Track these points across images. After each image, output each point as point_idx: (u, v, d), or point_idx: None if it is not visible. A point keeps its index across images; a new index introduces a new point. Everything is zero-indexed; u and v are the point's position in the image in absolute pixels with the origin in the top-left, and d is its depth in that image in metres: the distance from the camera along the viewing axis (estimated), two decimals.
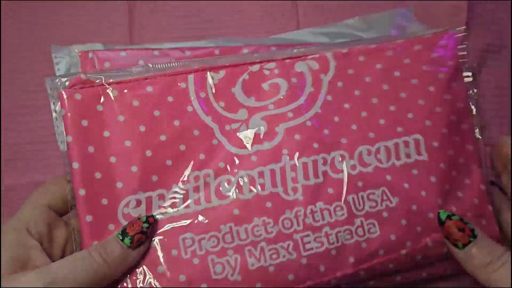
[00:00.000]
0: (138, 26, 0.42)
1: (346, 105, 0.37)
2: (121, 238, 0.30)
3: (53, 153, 0.40)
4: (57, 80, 0.32)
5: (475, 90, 0.39)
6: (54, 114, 0.32)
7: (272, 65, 0.37)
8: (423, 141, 0.37)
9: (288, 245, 0.34)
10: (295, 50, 0.37)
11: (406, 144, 0.37)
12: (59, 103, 0.32)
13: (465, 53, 0.39)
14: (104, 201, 0.32)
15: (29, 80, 0.41)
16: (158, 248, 0.32)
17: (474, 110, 0.39)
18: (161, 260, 0.32)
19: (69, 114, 0.32)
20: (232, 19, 0.43)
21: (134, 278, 0.32)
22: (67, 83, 0.32)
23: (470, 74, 0.39)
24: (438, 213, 0.34)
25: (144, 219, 0.31)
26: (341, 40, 0.40)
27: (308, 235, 0.34)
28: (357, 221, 0.35)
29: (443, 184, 0.37)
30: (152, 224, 0.32)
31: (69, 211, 0.32)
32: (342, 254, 0.34)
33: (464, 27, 0.39)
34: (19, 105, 0.41)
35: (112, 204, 0.32)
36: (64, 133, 0.32)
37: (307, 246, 0.34)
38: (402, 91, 0.38)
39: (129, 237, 0.30)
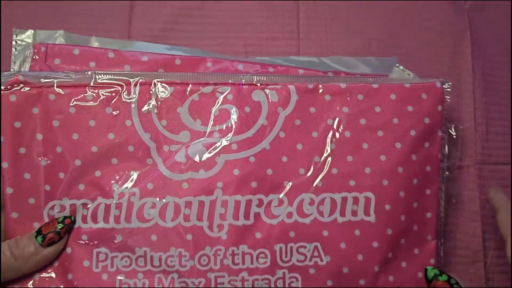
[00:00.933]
0: (137, 17, 0.40)
1: (299, 146, 0.34)
2: (35, 235, 0.31)
3: None
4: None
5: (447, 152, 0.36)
6: None
7: (226, 89, 0.34)
8: (374, 201, 0.34)
9: (200, 282, 0.33)
10: (255, 76, 0.34)
11: (355, 200, 0.34)
12: None
13: (445, 111, 0.35)
14: (31, 201, 0.32)
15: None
16: (72, 255, 0.32)
17: (445, 173, 0.35)
18: (72, 268, 0.32)
19: (2, 115, 0.32)
20: (232, 17, 0.41)
21: (43, 277, 0.32)
22: (5, 81, 0.32)
23: (444, 134, 0.35)
24: (426, 269, 0.32)
25: (61, 219, 0.32)
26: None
27: (223, 276, 0.33)
28: (279, 272, 0.33)
29: (385, 251, 0.34)
30: (67, 225, 0.32)
31: None
32: None
33: (446, 80, 0.35)
34: None
35: (38, 204, 0.32)
36: None
37: (219, 286, 0.33)
38: (365, 142, 0.34)
39: (41, 235, 0.31)
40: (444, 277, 0.32)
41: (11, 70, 0.35)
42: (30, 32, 0.36)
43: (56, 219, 0.32)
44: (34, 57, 0.34)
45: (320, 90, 0.34)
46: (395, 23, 0.41)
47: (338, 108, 0.34)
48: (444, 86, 0.35)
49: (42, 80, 0.32)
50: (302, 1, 0.42)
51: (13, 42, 0.36)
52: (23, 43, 0.36)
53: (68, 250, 0.32)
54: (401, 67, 0.37)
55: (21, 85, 0.32)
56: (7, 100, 0.32)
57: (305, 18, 0.41)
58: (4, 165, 0.32)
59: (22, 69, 0.35)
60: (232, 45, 0.40)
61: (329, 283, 0.33)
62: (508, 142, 0.40)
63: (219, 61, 0.36)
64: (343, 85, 0.35)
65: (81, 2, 0.40)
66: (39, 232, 0.31)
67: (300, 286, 0.33)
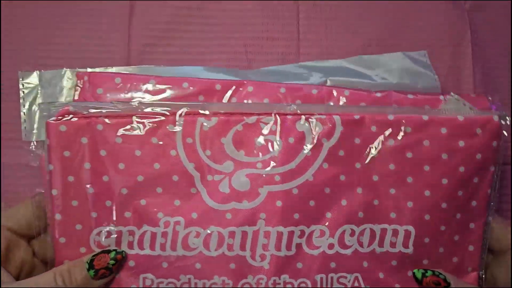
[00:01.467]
0: (137, 17, 0.40)
1: (342, 177, 0.34)
2: (87, 267, 0.32)
3: None
4: (49, 107, 0.32)
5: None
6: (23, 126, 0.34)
7: (270, 119, 0.34)
8: (413, 235, 0.34)
9: None
10: (297, 107, 0.34)
11: (395, 233, 0.34)
12: (45, 131, 0.32)
13: (500, 146, 0.34)
14: (78, 227, 0.33)
15: (25, 62, 0.40)
16: (119, 280, 0.34)
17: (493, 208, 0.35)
18: None
19: (52, 144, 0.32)
20: (232, 17, 0.41)
21: None
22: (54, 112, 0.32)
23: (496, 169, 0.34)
24: (413, 272, 0.34)
25: (113, 255, 0.32)
26: (340, 79, 0.37)
27: None
28: None
29: None
30: (119, 261, 0.33)
31: (34, 236, 0.34)
32: None
33: (505, 114, 0.34)
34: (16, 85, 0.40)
35: (86, 230, 0.33)
36: (47, 161, 0.32)
37: None
38: (410, 176, 0.34)
39: (94, 270, 0.32)
40: (430, 272, 0.34)
41: (21, 113, 0.37)
42: (35, 73, 0.37)
43: (108, 254, 0.33)
44: (77, 85, 0.34)
45: (367, 121, 0.34)
46: (395, 23, 0.41)
47: (384, 140, 0.34)
48: (502, 120, 0.34)
49: (91, 111, 0.32)
50: (302, 1, 0.41)
51: (20, 86, 0.37)
52: (30, 85, 0.37)
53: (116, 274, 0.33)
54: (456, 96, 0.35)
55: (71, 116, 0.32)
56: (57, 130, 0.32)
57: (305, 18, 0.41)
58: (54, 192, 0.33)
59: (33, 110, 0.36)
60: (232, 45, 0.40)
61: None
62: (508, 142, 0.39)
63: (261, 84, 0.36)
64: (391, 117, 0.34)
65: (81, 2, 0.40)
66: (91, 265, 0.32)
67: None
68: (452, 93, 0.36)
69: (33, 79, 0.38)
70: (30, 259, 0.35)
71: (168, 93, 0.35)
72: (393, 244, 0.34)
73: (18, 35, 0.40)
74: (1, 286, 0.31)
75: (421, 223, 0.34)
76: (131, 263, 0.33)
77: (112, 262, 0.32)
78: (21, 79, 0.37)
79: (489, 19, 0.43)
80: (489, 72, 0.42)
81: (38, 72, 0.38)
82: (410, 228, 0.34)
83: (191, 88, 0.35)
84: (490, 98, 0.36)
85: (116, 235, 0.33)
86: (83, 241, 0.33)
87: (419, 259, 0.34)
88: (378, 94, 0.36)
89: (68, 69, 0.37)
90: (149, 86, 0.34)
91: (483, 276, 0.36)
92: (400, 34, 0.41)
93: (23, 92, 0.37)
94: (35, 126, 0.36)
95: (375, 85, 0.38)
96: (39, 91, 0.37)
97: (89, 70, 0.36)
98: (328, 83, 0.38)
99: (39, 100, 0.37)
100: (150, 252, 0.34)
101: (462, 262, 0.35)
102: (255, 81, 0.36)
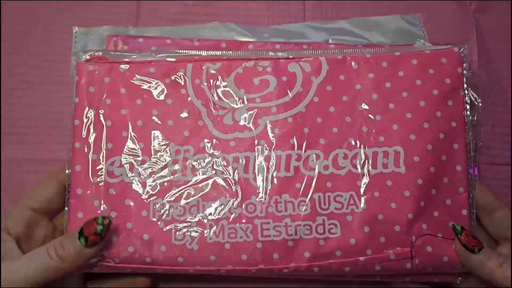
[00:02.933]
0: (144, 14, 0.45)
1: (332, 108, 0.39)
2: (78, 237, 0.33)
3: (45, 131, 0.43)
4: (80, 54, 0.39)
5: (476, 115, 0.39)
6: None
7: (266, 63, 0.39)
8: (403, 154, 0.37)
9: (247, 227, 0.36)
10: (290, 52, 0.40)
11: (385, 154, 0.37)
12: (75, 71, 0.38)
13: (465, 72, 0.38)
14: (94, 157, 0.37)
15: (29, 56, 0.43)
16: (130, 207, 0.36)
17: (475, 138, 0.38)
18: (131, 217, 0.36)
19: (80, 80, 0.38)
20: (237, 15, 0.45)
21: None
22: (86, 57, 0.38)
23: (471, 95, 0.39)
24: (453, 225, 0.36)
25: (100, 221, 0.33)
26: (340, 38, 0.43)
27: (268, 223, 0.36)
28: (319, 219, 0.36)
29: (417, 199, 0.37)
30: (107, 226, 0.33)
31: (53, 212, 0.38)
32: (298, 247, 0.36)
33: (465, 45, 0.39)
34: (19, 80, 0.43)
35: (100, 159, 0.37)
36: (74, 95, 0.38)
37: (265, 232, 0.36)
38: (391, 103, 0.38)
39: (84, 238, 0.33)
40: (465, 228, 0.36)
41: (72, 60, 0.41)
42: (85, 29, 0.43)
43: (96, 219, 0.33)
44: (107, 44, 0.41)
45: (348, 60, 0.39)
46: None
47: (364, 74, 0.39)
48: (462, 50, 0.39)
49: (115, 57, 0.39)
50: (308, 1, 0.45)
51: (73, 38, 0.43)
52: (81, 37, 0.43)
53: (127, 201, 0.36)
54: (422, 41, 0.41)
55: (100, 60, 0.38)
56: (86, 68, 0.38)
57: (311, 18, 0.45)
58: (76, 122, 0.37)
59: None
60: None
61: (366, 229, 0.36)
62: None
63: (260, 42, 0.42)
64: (368, 55, 0.39)
65: (90, 3, 0.44)
66: (81, 233, 0.33)
67: (339, 232, 0.36)
68: (418, 39, 0.41)
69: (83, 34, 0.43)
70: (51, 235, 0.37)
71: (181, 51, 0.41)
72: (385, 165, 0.37)
73: (20, 32, 0.43)
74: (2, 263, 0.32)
75: (408, 142, 0.37)
76: (142, 189, 0.37)
77: (100, 227, 0.33)
78: (74, 31, 0.42)
79: (494, 20, 0.44)
80: (493, 73, 0.44)
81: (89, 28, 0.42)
82: (399, 148, 0.37)
83: (200, 45, 0.41)
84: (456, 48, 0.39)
85: (129, 165, 0.37)
86: (97, 170, 0.37)
87: (412, 178, 0.37)
88: (360, 46, 0.41)
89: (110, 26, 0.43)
90: (168, 41, 0.41)
91: (473, 197, 0.38)
92: None
93: (75, 42, 0.42)
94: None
95: (366, 43, 0.43)
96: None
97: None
98: (330, 41, 0.44)
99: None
100: (161, 178, 0.37)
101: (453, 183, 0.37)
102: (256, 41, 0.42)
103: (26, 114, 0.43)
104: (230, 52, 0.40)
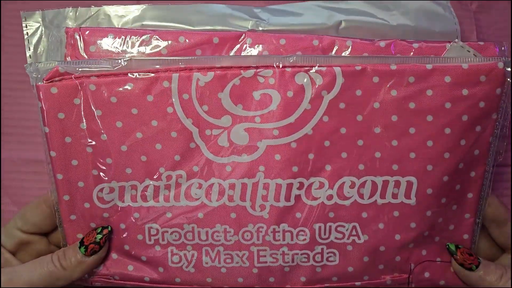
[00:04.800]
0: None
1: (343, 130, 0.34)
2: (79, 246, 0.34)
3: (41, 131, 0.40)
4: (39, 68, 0.32)
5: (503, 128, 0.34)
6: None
7: (268, 72, 0.33)
8: (416, 186, 0.34)
9: (243, 254, 0.36)
10: (298, 58, 0.32)
11: (397, 184, 0.34)
12: (36, 94, 0.32)
13: (504, 93, 0.32)
14: (81, 184, 0.34)
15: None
16: (126, 230, 0.35)
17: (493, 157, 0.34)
18: (128, 240, 0.36)
19: (45, 107, 0.32)
20: None
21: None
22: (44, 73, 0.32)
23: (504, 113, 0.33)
24: (447, 245, 0.35)
25: (99, 230, 0.34)
26: (354, 18, 0.35)
27: (265, 250, 0.35)
28: (318, 248, 0.35)
29: (422, 230, 0.35)
30: (106, 235, 0.34)
31: (44, 233, 0.37)
32: (294, 272, 0.36)
33: (510, 60, 0.32)
34: (19, 80, 0.41)
35: (88, 187, 0.34)
36: (42, 124, 0.33)
37: (262, 259, 0.36)
38: (412, 127, 0.33)
39: (84, 246, 0.34)
40: (460, 246, 0.35)
41: (27, 55, 0.35)
42: (38, 13, 0.36)
43: (95, 230, 0.34)
44: (68, 43, 0.33)
45: (368, 71, 0.32)
46: None
47: (386, 91, 0.33)
48: (507, 66, 0.32)
49: (81, 69, 0.32)
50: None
51: (23, 25, 0.35)
52: (33, 26, 0.36)
53: (122, 225, 0.35)
54: (461, 43, 0.33)
55: (61, 77, 0.32)
56: (49, 92, 0.32)
57: None
58: (52, 154, 0.33)
59: (39, 52, 0.35)
60: None
61: (366, 259, 0.35)
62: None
63: (260, 35, 0.34)
64: (393, 67, 0.32)
65: (88, 2, 0.38)
66: (82, 243, 0.34)
67: (337, 261, 0.36)
68: (456, 40, 0.33)
69: (36, 19, 0.36)
70: (45, 249, 0.37)
71: (164, 50, 0.33)
72: (395, 195, 0.34)
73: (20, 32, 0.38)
74: (4, 269, 0.34)
75: (424, 173, 0.33)
76: (136, 214, 0.35)
77: (99, 236, 0.34)
78: (23, 19, 0.35)
79: (494, 20, 0.42)
80: None
81: (40, 11, 0.36)
82: (413, 179, 0.34)
83: (187, 41, 0.34)
84: (497, 45, 0.33)
85: (118, 190, 0.34)
86: (87, 197, 0.34)
87: (422, 211, 0.34)
88: (382, 44, 0.33)
89: (72, 8, 0.36)
90: (145, 38, 0.33)
91: (479, 223, 0.36)
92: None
93: (27, 33, 0.35)
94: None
95: (390, 27, 0.36)
96: (43, 33, 0.36)
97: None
98: (343, 24, 0.36)
99: (44, 42, 0.36)
100: (154, 203, 0.35)
101: (461, 210, 0.35)
102: (255, 32, 0.34)
103: (26, 114, 0.41)
104: (225, 59, 0.32)
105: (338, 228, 0.35)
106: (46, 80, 0.32)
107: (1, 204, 0.41)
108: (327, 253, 0.35)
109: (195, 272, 0.36)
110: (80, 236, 0.35)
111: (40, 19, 0.35)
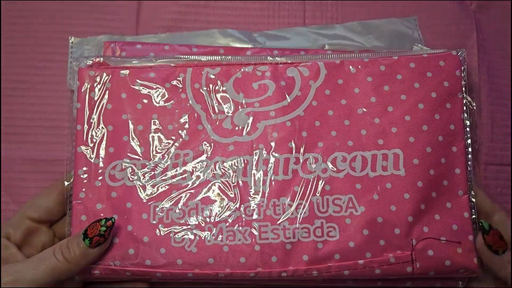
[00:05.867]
0: (144, 14, 0.45)
1: (330, 112, 0.39)
2: (82, 238, 0.34)
3: (45, 131, 0.43)
4: (81, 59, 0.40)
5: (472, 116, 0.38)
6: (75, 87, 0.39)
7: (264, 67, 0.40)
8: (402, 157, 0.37)
9: (246, 230, 0.36)
10: (289, 57, 0.40)
11: (385, 157, 0.37)
12: (77, 77, 0.39)
13: (463, 75, 0.38)
14: (96, 161, 0.38)
15: (29, 57, 0.44)
16: (131, 209, 0.37)
17: (469, 134, 0.38)
18: (132, 220, 0.37)
19: (81, 86, 0.39)
20: (237, 15, 0.45)
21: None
22: (87, 63, 0.39)
23: (467, 98, 0.38)
24: (481, 222, 0.35)
25: (103, 222, 0.34)
26: (336, 42, 0.43)
27: (266, 225, 0.36)
28: (317, 222, 0.36)
29: (417, 202, 0.36)
30: (110, 227, 0.34)
31: (53, 221, 0.38)
32: (296, 250, 0.36)
33: (464, 49, 0.39)
34: (19, 80, 0.43)
35: (102, 164, 0.38)
36: (76, 101, 0.39)
37: (263, 235, 0.36)
38: (390, 105, 0.38)
39: (88, 239, 0.34)
40: (494, 227, 0.35)
41: (68, 68, 0.42)
42: (83, 39, 0.44)
43: (99, 221, 0.34)
44: (105, 50, 0.42)
45: (346, 64, 0.40)
46: None
47: (363, 78, 0.39)
48: (460, 54, 0.39)
49: (116, 62, 0.40)
50: (308, 1, 0.45)
51: (69, 49, 0.43)
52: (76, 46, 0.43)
53: (128, 204, 0.37)
54: (420, 46, 0.41)
55: (101, 65, 0.39)
56: (87, 74, 0.39)
57: (311, 17, 0.45)
58: (79, 127, 0.38)
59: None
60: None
61: (365, 232, 0.36)
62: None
63: (257, 49, 0.43)
64: (366, 59, 0.40)
65: (89, 2, 0.44)
66: (85, 235, 0.34)
67: (337, 235, 0.36)
68: (416, 44, 0.41)
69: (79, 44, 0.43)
70: (51, 241, 0.38)
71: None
72: (384, 168, 0.37)
73: (20, 33, 0.43)
74: (6, 266, 0.33)
75: (407, 145, 0.37)
76: (142, 193, 0.37)
77: (103, 228, 0.34)
78: (71, 41, 0.43)
79: (494, 20, 0.44)
80: (494, 73, 0.43)
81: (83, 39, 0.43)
82: (398, 151, 0.37)
83: (198, 52, 0.42)
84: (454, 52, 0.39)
85: (130, 169, 0.38)
86: (99, 174, 0.37)
87: (412, 181, 0.37)
88: (356, 52, 0.41)
89: (106, 36, 0.43)
90: (166, 48, 0.42)
91: (473, 200, 0.37)
92: None
93: (71, 52, 0.43)
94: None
95: (367, 48, 0.44)
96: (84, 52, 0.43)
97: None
98: (326, 47, 0.44)
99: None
100: (161, 182, 0.37)
101: (452, 186, 0.37)
102: (254, 47, 0.43)
103: (26, 114, 0.43)
104: (229, 57, 0.40)
105: (335, 201, 0.37)
106: (88, 66, 0.39)
107: (1, 203, 0.41)
108: (327, 227, 0.36)
109: (197, 252, 0.36)
110: (84, 218, 0.37)
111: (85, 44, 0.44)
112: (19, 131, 0.43)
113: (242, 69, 0.40)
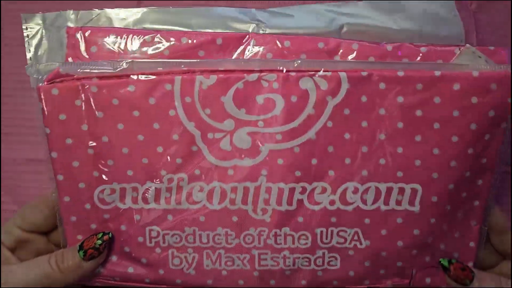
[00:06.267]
0: None
1: (347, 135, 0.33)
2: (78, 249, 0.34)
3: (42, 130, 0.39)
4: (40, 69, 0.31)
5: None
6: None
7: (272, 76, 0.32)
8: (420, 193, 0.34)
9: (245, 257, 0.35)
10: (302, 62, 0.32)
11: (401, 191, 0.34)
12: (37, 96, 0.32)
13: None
14: (82, 185, 0.34)
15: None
16: (126, 232, 0.35)
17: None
18: (128, 243, 0.35)
19: (46, 108, 0.32)
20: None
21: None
22: (46, 76, 0.31)
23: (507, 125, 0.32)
24: (440, 261, 0.35)
25: (100, 235, 0.34)
26: (356, 22, 0.35)
27: (266, 253, 0.35)
28: (319, 252, 0.35)
29: (426, 237, 0.35)
30: (106, 242, 0.34)
31: (44, 232, 0.37)
32: (295, 276, 0.36)
33: None
34: (19, 80, 0.40)
35: (89, 188, 0.34)
36: (43, 124, 0.32)
37: (263, 262, 0.35)
38: (418, 134, 0.33)
39: (83, 251, 0.33)
40: (454, 260, 0.34)
41: (28, 57, 0.35)
42: (39, 15, 0.35)
43: (96, 235, 0.34)
44: (69, 43, 0.33)
45: (375, 78, 0.32)
46: None
47: (392, 97, 0.32)
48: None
49: (83, 71, 0.31)
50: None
51: (23, 27, 0.35)
52: (34, 28, 0.35)
53: (123, 227, 0.35)
54: (472, 48, 0.32)
55: (62, 78, 0.31)
56: (50, 94, 0.32)
57: None
58: (54, 155, 0.33)
59: (39, 54, 0.35)
60: None
61: (367, 263, 0.35)
62: None
63: (264, 37, 0.33)
64: (400, 73, 0.31)
65: (88, 2, 0.38)
66: (81, 247, 0.34)
67: (338, 265, 0.35)
68: (468, 45, 0.32)
69: (37, 21, 0.35)
70: (44, 247, 0.37)
71: (166, 51, 0.33)
72: (398, 202, 0.34)
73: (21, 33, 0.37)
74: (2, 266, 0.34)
75: (429, 181, 0.33)
76: (137, 217, 0.35)
77: (99, 242, 0.34)
78: (24, 21, 0.35)
79: (494, 20, 0.41)
80: None
81: (41, 14, 0.36)
82: (417, 186, 0.33)
83: (190, 42, 0.33)
84: (507, 50, 0.32)
85: (119, 192, 0.34)
86: (88, 198, 0.34)
87: (426, 218, 0.34)
88: (389, 47, 0.33)
89: (73, 11, 0.35)
90: (147, 39, 0.32)
91: (485, 230, 0.36)
92: None
93: (27, 35, 0.35)
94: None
95: (394, 31, 0.35)
96: (43, 35, 0.35)
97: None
98: (345, 28, 0.35)
99: (44, 44, 0.36)
100: (155, 205, 0.35)
101: (467, 217, 0.35)
102: (259, 33, 0.33)
103: (26, 114, 0.41)
104: (229, 63, 0.32)
105: (340, 233, 0.35)
106: (47, 81, 0.31)
107: (2, 203, 0.41)
108: (329, 257, 0.35)
109: (196, 274, 0.36)
110: (80, 237, 0.35)
111: (40, 21, 0.35)
112: (19, 131, 0.41)
113: (244, 78, 0.32)
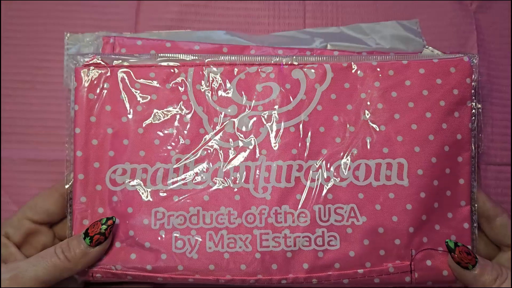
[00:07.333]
0: (144, 14, 0.44)
1: (335, 117, 0.38)
2: (83, 237, 0.34)
3: (45, 131, 0.43)
4: (78, 57, 0.38)
5: (478, 122, 0.37)
6: (72, 86, 0.38)
7: (269, 68, 0.39)
8: (407, 166, 0.37)
9: (247, 238, 0.36)
10: (294, 57, 0.39)
11: (389, 166, 0.37)
12: (73, 77, 0.37)
13: (474, 83, 0.37)
14: (96, 165, 0.37)
15: (29, 57, 0.43)
16: (133, 214, 0.37)
17: (475, 145, 0.38)
18: (133, 226, 0.36)
19: (79, 87, 0.37)
20: (237, 15, 0.45)
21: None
22: (84, 62, 0.38)
23: (476, 105, 0.37)
24: (446, 242, 0.35)
25: (104, 221, 0.35)
26: (337, 43, 0.41)
27: (267, 233, 0.36)
28: (319, 231, 0.36)
29: (419, 213, 0.36)
30: (110, 226, 0.35)
31: (53, 222, 0.38)
32: (297, 258, 0.36)
33: (476, 55, 0.37)
34: (19, 80, 0.43)
35: (102, 168, 0.37)
36: (73, 102, 0.37)
37: (264, 243, 0.36)
38: (396, 113, 0.37)
39: (89, 237, 0.34)
40: (460, 243, 0.35)
41: (64, 66, 0.40)
42: (79, 35, 0.41)
43: (100, 221, 0.35)
44: (104, 46, 0.40)
45: (353, 68, 0.38)
46: None
47: (370, 83, 0.38)
48: (472, 60, 0.38)
49: (114, 62, 0.38)
50: (308, 1, 0.44)
51: (65, 45, 0.41)
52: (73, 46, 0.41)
53: (129, 209, 0.37)
54: (430, 48, 0.40)
55: (98, 64, 0.38)
56: (85, 74, 0.37)
57: (311, 18, 0.44)
58: (77, 130, 0.37)
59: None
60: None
61: (366, 242, 0.36)
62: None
63: (262, 47, 0.41)
64: (374, 63, 0.38)
65: (88, 2, 0.43)
66: (86, 234, 0.34)
67: (338, 245, 0.36)
68: (427, 46, 0.40)
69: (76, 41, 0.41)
70: (51, 242, 0.38)
71: (181, 55, 0.40)
72: (388, 177, 0.37)
73: (20, 33, 0.43)
74: (8, 264, 0.34)
75: (412, 155, 0.37)
76: (144, 198, 0.37)
77: (104, 227, 0.34)
78: (66, 37, 0.41)
79: (494, 20, 0.44)
80: (494, 74, 0.43)
81: (81, 34, 0.41)
82: (403, 160, 0.37)
83: (201, 49, 0.40)
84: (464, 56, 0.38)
85: (130, 173, 0.37)
86: (100, 179, 0.37)
87: (416, 192, 0.36)
88: (364, 53, 0.40)
89: (105, 32, 0.41)
90: (167, 44, 0.40)
91: (475, 212, 0.37)
92: None
93: (67, 49, 0.41)
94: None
95: (370, 49, 0.42)
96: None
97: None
98: (329, 47, 0.42)
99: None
100: (162, 187, 0.37)
101: (455, 196, 0.37)
102: (257, 45, 0.41)
103: (26, 114, 0.43)
104: (233, 57, 0.39)
105: (337, 210, 0.36)
106: (84, 65, 0.38)
107: (1, 203, 0.41)
108: (328, 236, 0.36)
109: (198, 258, 0.36)
110: (86, 222, 0.37)
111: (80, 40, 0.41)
112: (19, 131, 0.43)
113: (246, 70, 0.38)
